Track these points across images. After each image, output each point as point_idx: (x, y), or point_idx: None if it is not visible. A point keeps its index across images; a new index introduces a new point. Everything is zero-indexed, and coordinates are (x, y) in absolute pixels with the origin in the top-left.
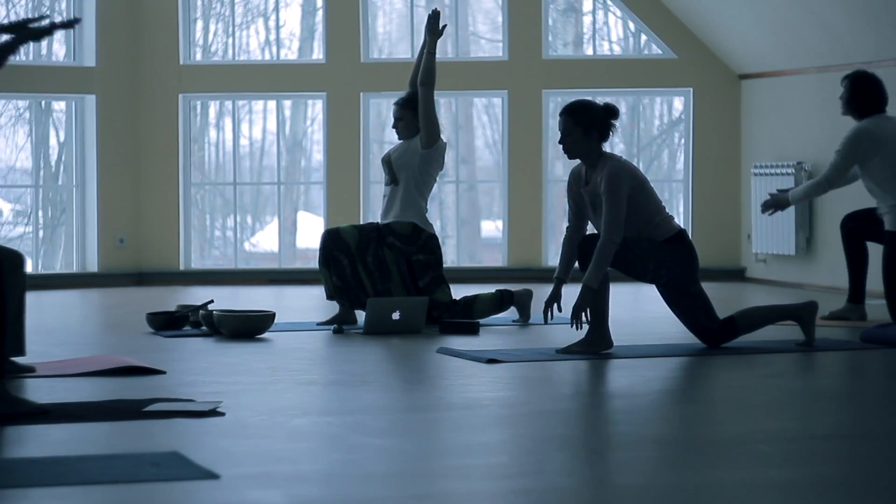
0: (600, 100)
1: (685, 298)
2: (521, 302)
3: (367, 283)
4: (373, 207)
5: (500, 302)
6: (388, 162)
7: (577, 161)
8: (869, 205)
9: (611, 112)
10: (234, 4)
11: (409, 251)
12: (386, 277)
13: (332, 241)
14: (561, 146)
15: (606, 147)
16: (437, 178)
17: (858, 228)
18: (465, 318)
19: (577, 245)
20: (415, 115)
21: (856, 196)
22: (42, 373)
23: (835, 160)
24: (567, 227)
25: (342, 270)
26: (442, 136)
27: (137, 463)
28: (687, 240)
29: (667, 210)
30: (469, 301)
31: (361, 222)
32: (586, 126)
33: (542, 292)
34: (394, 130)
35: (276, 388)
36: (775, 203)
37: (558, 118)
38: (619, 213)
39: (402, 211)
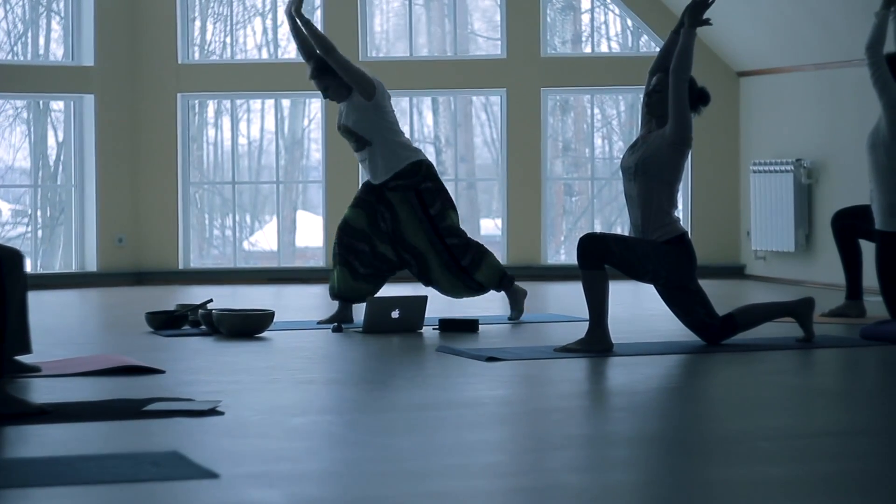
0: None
1: (684, 295)
2: (516, 297)
3: (388, 253)
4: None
5: (501, 277)
6: (347, 130)
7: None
8: (861, 201)
9: (703, 96)
10: (232, 3)
11: (416, 181)
12: (399, 229)
13: (347, 234)
14: (646, 98)
15: None
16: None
17: (848, 226)
18: (472, 271)
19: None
20: (335, 77)
21: (855, 193)
22: (41, 372)
23: (887, 77)
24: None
25: (365, 258)
26: (373, 77)
27: (137, 462)
28: (687, 242)
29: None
30: (479, 256)
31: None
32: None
33: (540, 290)
34: (329, 100)
35: (275, 386)
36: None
37: (658, 73)
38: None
39: (391, 162)
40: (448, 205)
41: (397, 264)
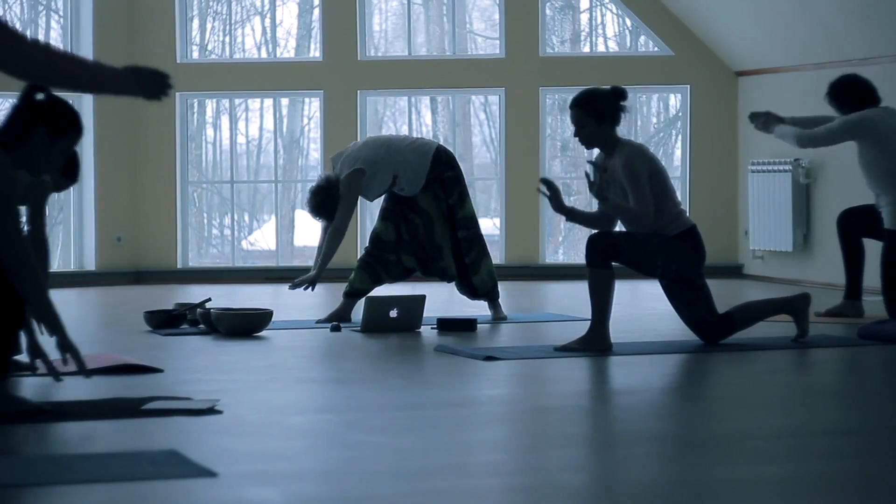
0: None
1: (689, 291)
2: (497, 311)
3: (412, 264)
4: (369, 205)
5: (493, 287)
6: (378, 196)
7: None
8: (866, 201)
9: (620, 95)
10: (230, 3)
11: (439, 172)
12: (431, 231)
13: (378, 247)
14: (577, 138)
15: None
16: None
17: (855, 225)
18: (471, 272)
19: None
20: (334, 198)
21: (854, 193)
22: (40, 371)
23: (832, 126)
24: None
25: (392, 268)
26: (354, 188)
27: (135, 461)
28: (697, 235)
29: (680, 206)
30: (480, 257)
31: (357, 218)
32: (598, 115)
33: (538, 290)
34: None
35: (273, 385)
36: (766, 119)
37: (569, 111)
38: (644, 196)
39: (420, 169)
40: (464, 192)
41: (420, 272)
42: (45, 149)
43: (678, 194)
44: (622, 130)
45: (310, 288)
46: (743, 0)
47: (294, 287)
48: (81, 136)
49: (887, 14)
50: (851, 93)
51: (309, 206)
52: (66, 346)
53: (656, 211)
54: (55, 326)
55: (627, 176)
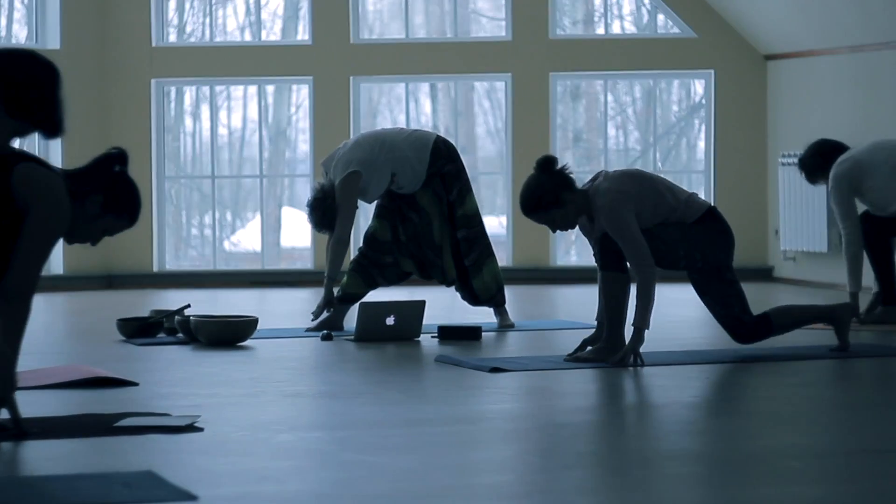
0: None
1: (720, 286)
2: (504, 318)
3: (410, 267)
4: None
5: (496, 292)
6: (376, 196)
7: None
8: None
9: (549, 164)
10: None
11: (439, 167)
12: (429, 231)
13: (374, 248)
14: (557, 231)
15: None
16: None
17: (880, 225)
18: (472, 275)
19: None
20: (333, 208)
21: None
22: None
23: (838, 213)
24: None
25: (388, 272)
26: (352, 197)
27: (108, 483)
28: (718, 216)
29: (687, 190)
30: (482, 258)
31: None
32: (555, 202)
33: (548, 294)
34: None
35: (259, 400)
36: (861, 321)
37: (530, 217)
38: (635, 243)
39: (419, 166)
40: (466, 187)
41: (418, 276)
42: (92, 217)
43: (701, 189)
44: (641, 120)
45: (330, 309)
46: None
47: (317, 316)
48: (131, 225)
49: None
50: (818, 156)
51: (311, 222)
52: (5, 401)
53: (667, 210)
54: (6, 379)
55: (613, 230)
